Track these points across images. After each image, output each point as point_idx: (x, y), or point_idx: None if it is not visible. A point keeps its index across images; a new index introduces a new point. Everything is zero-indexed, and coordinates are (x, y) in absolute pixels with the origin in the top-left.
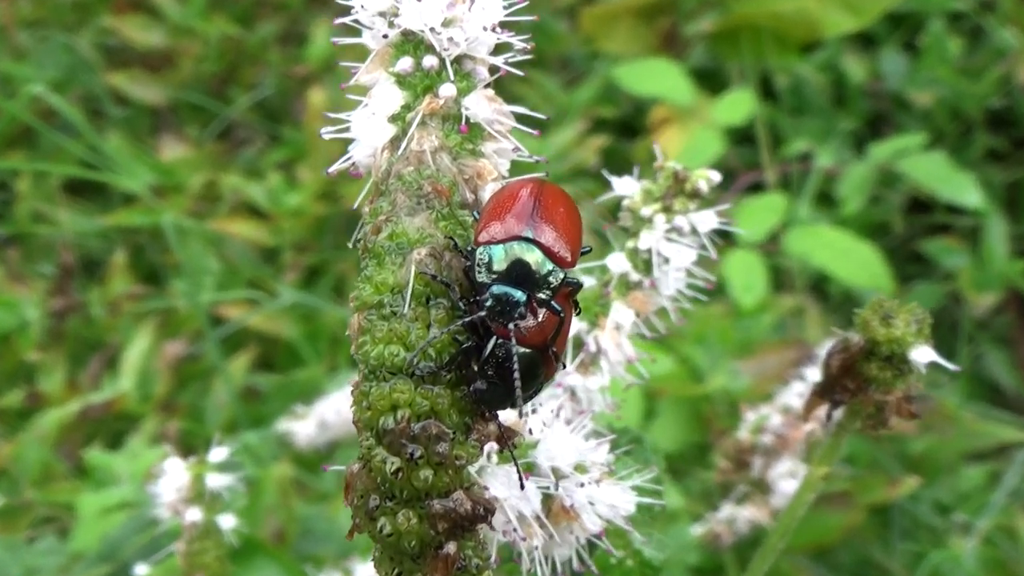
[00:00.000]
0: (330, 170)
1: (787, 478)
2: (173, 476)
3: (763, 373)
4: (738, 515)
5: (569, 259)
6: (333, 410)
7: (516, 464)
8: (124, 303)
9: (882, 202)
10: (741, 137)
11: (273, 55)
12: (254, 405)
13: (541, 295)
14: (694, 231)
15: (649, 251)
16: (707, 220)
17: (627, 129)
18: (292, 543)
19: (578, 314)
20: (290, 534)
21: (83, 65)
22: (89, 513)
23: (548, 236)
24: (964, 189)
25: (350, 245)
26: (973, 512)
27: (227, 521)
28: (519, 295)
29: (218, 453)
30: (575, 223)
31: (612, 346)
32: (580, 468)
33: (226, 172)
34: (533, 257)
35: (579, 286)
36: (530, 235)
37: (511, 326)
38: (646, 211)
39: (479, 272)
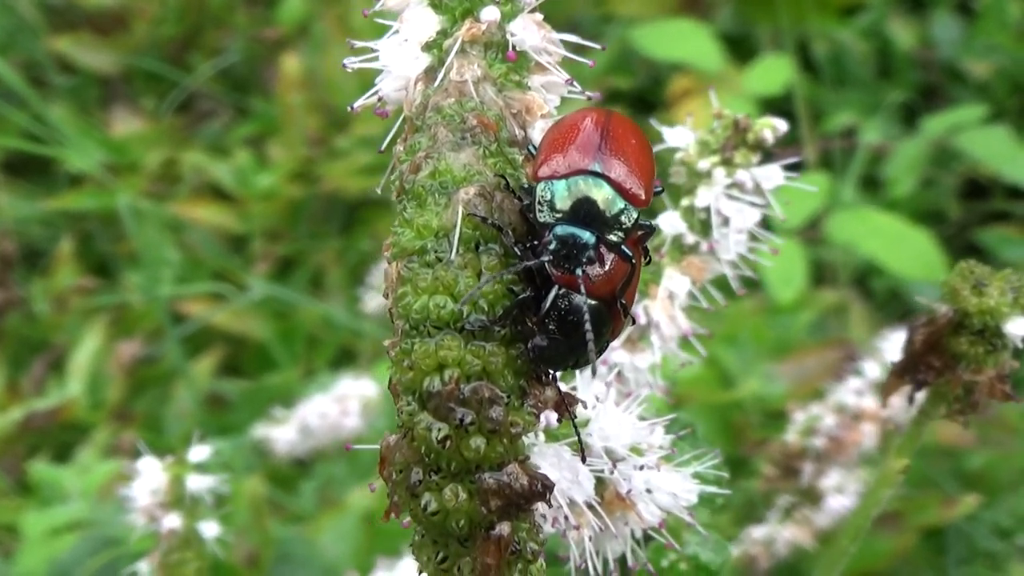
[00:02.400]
0: (355, 105)
1: (835, 493)
2: (149, 478)
3: (802, 377)
4: (778, 535)
5: (643, 196)
6: (317, 413)
7: (578, 434)
8: (71, 298)
9: (934, 186)
10: (776, 110)
11: (240, 17)
12: (220, 414)
13: (611, 237)
14: (758, 188)
15: (707, 210)
16: (773, 175)
17: (643, 102)
18: (267, 569)
19: (648, 263)
20: (265, 559)
21: (23, 27)
22: (34, 534)
23: (619, 170)
24: None
25: (378, 190)
26: None
27: (210, 529)
28: (587, 236)
29: (199, 452)
30: (648, 157)
31: (664, 318)
32: (636, 451)
33: (187, 149)
34: (602, 194)
35: (652, 230)
36: (598, 169)
37: (578, 272)
38: (703, 164)
39: (540, 211)
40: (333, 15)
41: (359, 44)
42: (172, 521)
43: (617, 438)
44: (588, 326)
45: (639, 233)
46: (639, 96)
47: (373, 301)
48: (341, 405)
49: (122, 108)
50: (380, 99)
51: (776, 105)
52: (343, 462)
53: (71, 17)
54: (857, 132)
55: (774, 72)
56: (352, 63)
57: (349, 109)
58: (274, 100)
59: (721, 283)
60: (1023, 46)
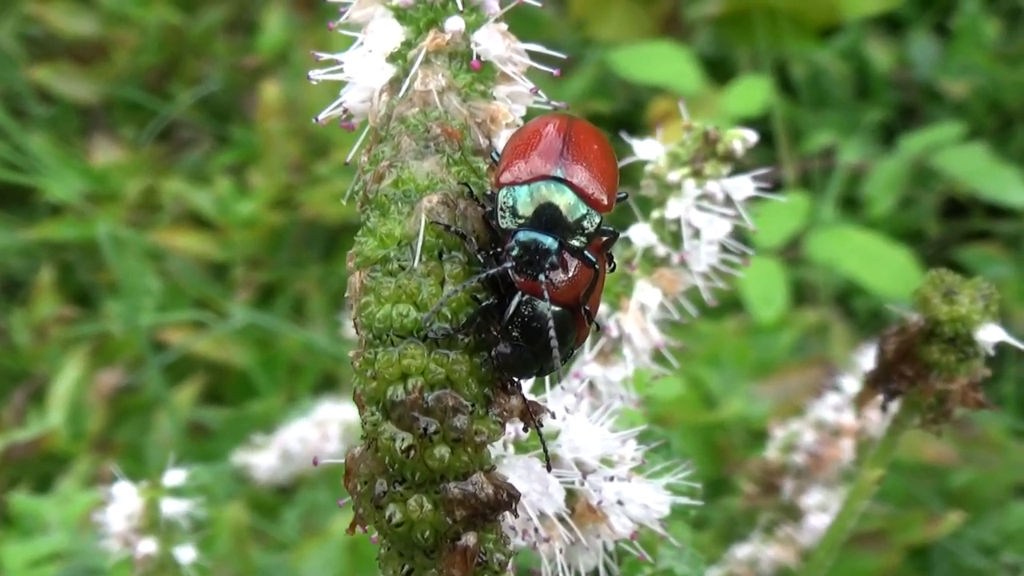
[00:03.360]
0: (319, 117)
1: (817, 512)
2: (124, 503)
3: (784, 396)
4: (762, 554)
5: (605, 202)
6: (297, 439)
7: (544, 445)
8: (51, 328)
9: (913, 205)
10: (755, 131)
11: (220, 45)
12: (202, 442)
13: (574, 242)
14: (728, 199)
15: (678, 221)
16: (743, 186)
17: (624, 126)
18: None
19: (612, 270)
20: None
21: (1, 57)
22: (15, 566)
23: (581, 176)
24: (1009, 185)
25: (343, 201)
26: (1022, 552)
27: (186, 554)
28: (550, 242)
29: (174, 476)
30: (610, 163)
31: (637, 331)
32: (607, 462)
33: (167, 178)
34: (564, 199)
35: (615, 236)
36: (560, 174)
37: (541, 278)
38: (673, 176)
39: (502, 217)
40: (313, 42)
41: (324, 56)
42: (147, 546)
43: (587, 449)
44: (552, 332)
45: (603, 239)
46: (619, 119)
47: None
48: (321, 430)
49: (102, 137)
50: (345, 111)
51: (755, 126)
52: (325, 488)
53: (50, 47)
54: (836, 152)
55: (753, 93)
56: (317, 75)
57: (314, 120)
58: (254, 128)
59: (697, 298)
60: (999, 66)
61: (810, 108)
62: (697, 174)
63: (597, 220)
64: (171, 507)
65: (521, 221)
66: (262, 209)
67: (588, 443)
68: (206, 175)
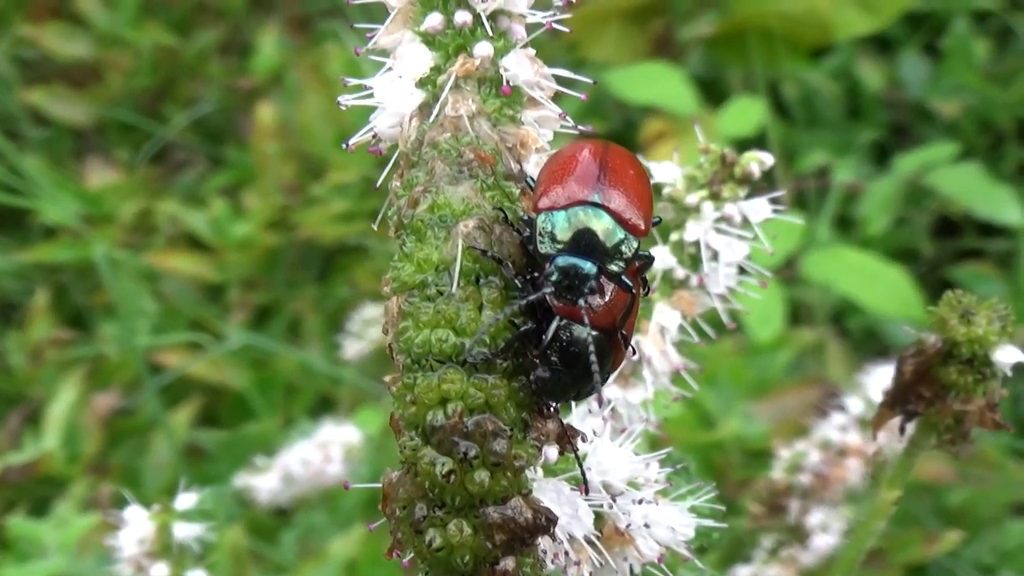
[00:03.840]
0: (350, 142)
1: (821, 532)
2: (135, 527)
3: (781, 416)
4: (764, 575)
5: (642, 227)
6: (299, 461)
7: (581, 467)
8: (47, 350)
9: (907, 224)
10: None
11: (214, 67)
12: (198, 464)
13: (612, 267)
14: (746, 222)
15: (696, 244)
16: (761, 209)
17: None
18: None
19: (646, 294)
20: None
21: None
22: None
23: (618, 201)
24: (1003, 204)
25: (374, 226)
26: (1020, 571)
27: None
28: (588, 267)
29: (185, 500)
30: (646, 188)
31: (656, 353)
32: (633, 485)
33: (162, 199)
34: (602, 224)
35: (650, 260)
36: (598, 199)
37: (581, 303)
38: (691, 199)
39: (541, 242)
40: (307, 64)
41: (353, 81)
42: (160, 570)
43: (615, 472)
44: (593, 357)
45: (638, 263)
46: (613, 139)
47: (352, 348)
48: (324, 452)
49: (96, 160)
50: (375, 136)
51: (749, 146)
52: (323, 511)
53: (45, 70)
54: (830, 171)
55: (747, 114)
56: (347, 100)
57: (344, 146)
58: (249, 149)
59: (710, 317)
60: (989, 85)
61: (803, 128)
62: (715, 197)
63: (635, 245)
64: (183, 531)
65: (559, 246)
66: (257, 230)
67: (616, 466)
68: (201, 197)
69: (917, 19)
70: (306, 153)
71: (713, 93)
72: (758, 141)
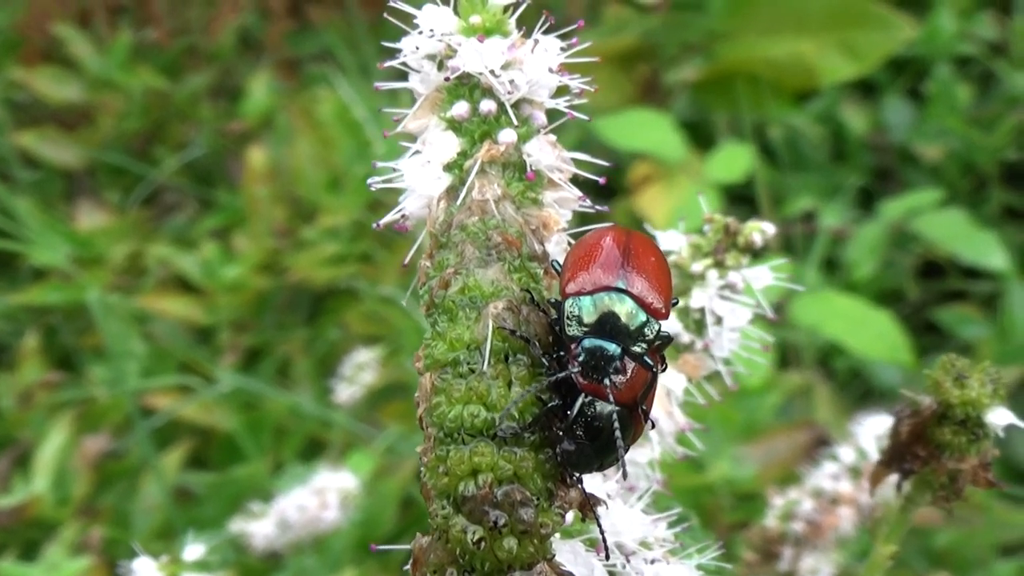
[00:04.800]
0: (380, 223)
1: None
2: None
3: (771, 459)
4: None
5: (664, 311)
6: (295, 507)
7: (602, 531)
8: (37, 393)
9: (892, 266)
10: (736, 195)
11: (204, 110)
12: (188, 508)
13: (636, 349)
14: (748, 288)
15: (702, 310)
16: (762, 276)
17: (604, 188)
18: None
19: (664, 370)
20: None
21: None
22: None
23: (640, 286)
24: (987, 249)
25: (403, 303)
26: None
27: None
28: (613, 348)
29: (194, 551)
30: (666, 273)
31: (663, 415)
32: (644, 544)
33: (152, 242)
34: (625, 309)
35: (669, 340)
36: (622, 285)
37: (606, 382)
38: (696, 267)
39: (568, 325)
40: (298, 107)
41: (382, 164)
42: None
43: (628, 532)
44: (618, 432)
45: (658, 343)
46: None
47: (344, 392)
48: (320, 498)
49: (87, 202)
50: (403, 215)
51: (736, 190)
52: (314, 556)
53: (36, 113)
54: (816, 215)
55: (735, 160)
56: (376, 183)
57: (374, 227)
58: (240, 192)
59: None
60: (972, 129)
61: (789, 170)
62: (719, 265)
63: (656, 327)
64: None
65: (586, 329)
66: (248, 273)
67: (628, 527)
68: (191, 239)
69: (900, 64)
70: (297, 196)
71: (699, 136)
72: (746, 185)
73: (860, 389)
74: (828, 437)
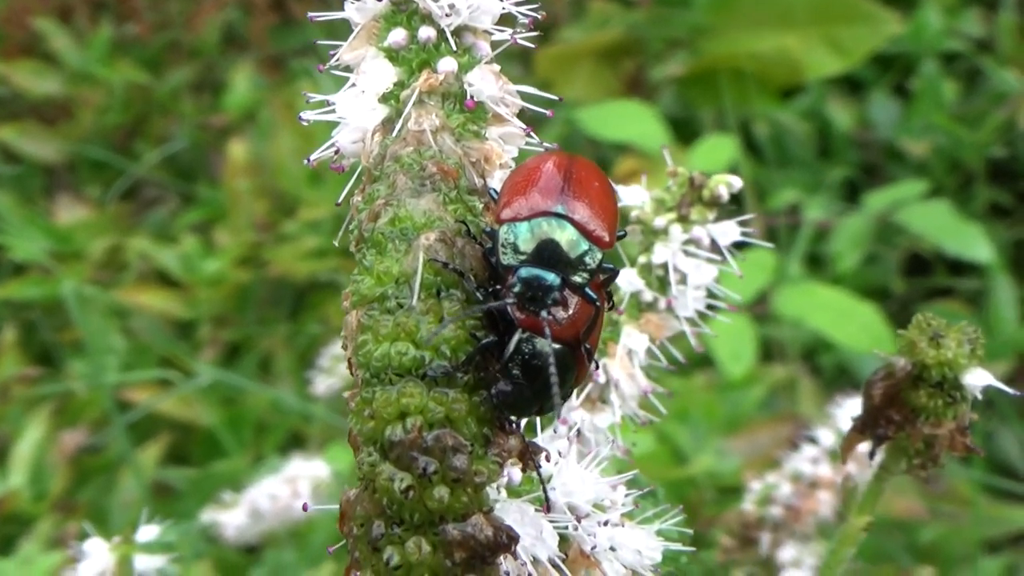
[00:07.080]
0: (311, 158)
1: (792, 568)
2: (95, 560)
3: (754, 452)
4: None
5: (607, 239)
6: (267, 495)
7: (544, 486)
8: (14, 387)
9: (878, 262)
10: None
11: (186, 105)
12: (167, 502)
13: (576, 279)
14: (714, 245)
15: (664, 266)
16: (729, 232)
17: None
18: None
19: (611, 308)
20: None
21: None
22: None
23: (582, 212)
24: (972, 242)
25: (335, 243)
26: None
27: None
28: (552, 278)
29: (147, 532)
30: (611, 200)
31: (624, 376)
32: (599, 507)
33: (132, 236)
34: (565, 235)
35: (615, 273)
36: (561, 211)
37: (543, 315)
38: (659, 222)
39: (503, 254)
40: (280, 102)
41: (316, 97)
42: None
43: (580, 494)
44: (553, 370)
45: (603, 276)
46: None
47: (322, 384)
48: (292, 486)
49: (66, 196)
50: (337, 151)
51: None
52: (292, 548)
53: (15, 107)
54: (801, 209)
55: (718, 151)
56: (309, 116)
57: (305, 162)
58: (221, 186)
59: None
60: (958, 126)
61: (774, 166)
62: (683, 219)
63: (599, 257)
64: (144, 563)
65: (522, 257)
66: (228, 267)
67: (581, 488)
68: (172, 234)
69: (886, 60)
70: (278, 190)
71: (685, 132)
72: None
73: (846, 385)
74: (811, 428)
